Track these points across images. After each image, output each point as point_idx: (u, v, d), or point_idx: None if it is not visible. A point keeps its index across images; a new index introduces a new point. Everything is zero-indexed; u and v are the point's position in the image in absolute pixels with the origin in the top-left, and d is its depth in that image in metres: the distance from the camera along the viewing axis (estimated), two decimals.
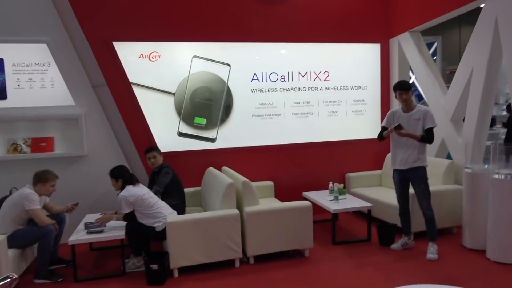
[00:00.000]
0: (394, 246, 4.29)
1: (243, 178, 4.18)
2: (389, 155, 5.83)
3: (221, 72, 5.31)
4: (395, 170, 4.23)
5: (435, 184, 4.73)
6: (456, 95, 4.78)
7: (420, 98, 8.79)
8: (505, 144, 4.07)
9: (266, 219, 4.00)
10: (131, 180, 3.97)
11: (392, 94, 5.86)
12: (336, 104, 5.81)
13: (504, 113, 9.19)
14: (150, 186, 4.47)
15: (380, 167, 5.97)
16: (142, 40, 5.00)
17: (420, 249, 4.21)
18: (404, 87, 3.99)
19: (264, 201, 4.83)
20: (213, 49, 5.26)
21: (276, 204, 4.28)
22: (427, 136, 3.94)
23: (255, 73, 5.45)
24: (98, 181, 4.86)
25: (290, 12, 5.51)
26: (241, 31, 5.35)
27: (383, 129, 4.20)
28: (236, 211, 3.92)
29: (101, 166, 4.82)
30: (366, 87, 5.92)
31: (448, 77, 9.18)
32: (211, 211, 4.11)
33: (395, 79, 5.86)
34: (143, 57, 5.03)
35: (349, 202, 4.70)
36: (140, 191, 3.91)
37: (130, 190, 3.87)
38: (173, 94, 5.17)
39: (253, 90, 5.46)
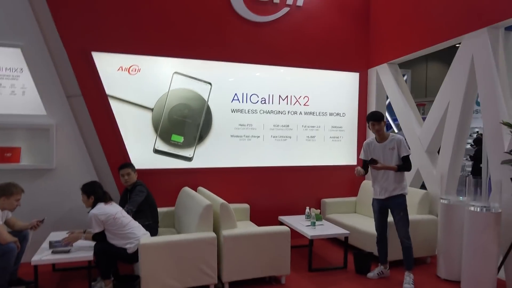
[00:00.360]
0: (370, 274, 4.26)
1: (220, 200, 4.05)
2: (364, 183, 5.89)
3: (202, 90, 5.23)
4: (374, 199, 4.24)
5: (410, 213, 4.74)
6: (432, 127, 4.92)
7: (388, 127, 9.04)
8: (474, 177, 4.19)
9: (243, 243, 3.87)
10: (104, 197, 3.76)
11: None
12: (314, 129, 5.83)
13: (469, 146, 9.57)
14: (121, 205, 4.25)
15: (355, 194, 6.00)
16: (122, 52, 4.85)
17: (396, 278, 4.20)
18: (377, 118, 4.04)
19: (240, 224, 4.70)
20: (195, 66, 5.19)
21: (254, 228, 4.16)
22: (404, 165, 4.00)
23: (236, 94, 5.40)
24: (66, 197, 4.59)
25: (274, 35, 5.54)
26: (224, 50, 5.32)
27: (363, 162, 4.25)
28: (213, 234, 3.77)
29: (70, 181, 4.57)
30: (344, 114, 6.00)
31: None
32: (186, 233, 3.94)
33: (372, 107, 5.98)
34: (122, 70, 4.88)
35: (326, 229, 4.65)
36: (113, 210, 3.70)
37: (102, 208, 3.65)
38: (151, 109, 5.02)
39: (233, 111, 5.40)
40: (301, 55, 5.71)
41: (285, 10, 5.55)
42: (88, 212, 3.67)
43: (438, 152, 4.95)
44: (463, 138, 4.60)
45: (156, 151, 5.06)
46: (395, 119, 8.72)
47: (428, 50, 5.01)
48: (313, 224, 4.67)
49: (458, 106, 4.49)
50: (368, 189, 5.69)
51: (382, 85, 5.90)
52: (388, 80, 5.69)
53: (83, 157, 4.72)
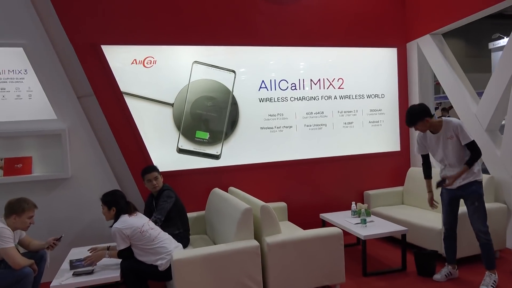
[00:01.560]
0: (437, 276, 3.68)
1: (260, 202, 3.53)
2: (411, 170, 5.28)
3: (225, 79, 4.69)
4: (443, 189, 3.64)
5: None
6: (492, 102, 4.27)
7: None
8: None
9: (290, 250, 3.34)
10: (127, 208, 3.28)
11: (413, 102, 5.36)
12: (351, 114, 5.24)
13: None
14: (147, 214, 3.78)
15: (401, 183, 5.40)
16: (135, 43, 4.34)
17: (467, 279, 3.62)
18: (412, 121, 3.47)
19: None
20: (216, 53, 4.65)
21: (301, 232, 3.63)
22: (473, 156, 3.38)
23: (263, 81, 4.85)
24: (84, 208, 4.13)
25: (300, 13, 4.95)
26: (247, 33, 4.76)
27: (423, 158, 3.76)
28: (256, 243, 3.25)
29: (88, 190, 4.12)
30: (383, 96, 5.38)
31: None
32: (223, 242, 3.43)
33: (414, 85, 5.35)
34: (136, 63, 4.37)
35: (380, 226, 4.08)
36: (139, 222, 3.21)
37: (126, 221, 3.17)
38: (171, 105, 4.51)
39: (261, 100, 4.85)
40: (331, 33, 5.10)
41: None
42: (111, 226, 3.19)
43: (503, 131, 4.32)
44: None
45: (180, 151, 4.56)
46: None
47: (481, 13, 4.34)
48: (364, 221, 4.10)
49: None
50: (415, 176, 5.10)
51: (425, 60, 5.25)
52: (433, 53, 5.04)
53: (101, 163, 4.25)
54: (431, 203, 3.69)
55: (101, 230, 4.06)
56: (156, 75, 4.44)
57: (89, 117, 4.24)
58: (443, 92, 5.91)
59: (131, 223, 3.16)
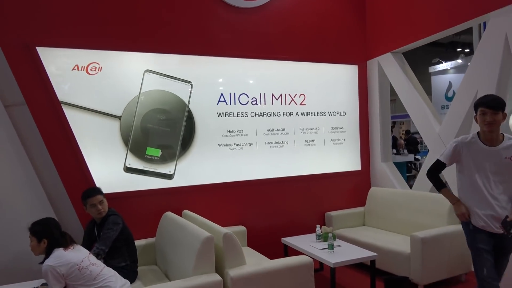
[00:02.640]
0: None
1: (222, 229, 3.13)
2: (372, 190, 5.13)
3: (181, 91, 4.27)
4: (481, 230, 2.75)
5: (440, 224, 4.07)
6: (456, 122, 4.23)
7: None
8: None
9: (257, 284, 2.96)
10: (63, 240, 2.72)
11: (373, 120, 5.26)
12: (313, 132, 5.01)
13: None
14: (86, 245, 3.22)
15: (362, 203, 5.23)
16: (77, 47, 3.81)
17: None
18: (494, 105, 2.64)
19: None
20: (171, 62, 4.22)
21: (267, 262, 3.25)
22: None
23: (222, 94, 4.48)
24: (10, 238, 3.46)
25: (262, 24, 4.69)
26: (205, 42, 4.39)
27: (441, 166, 2.96)
28: (218, 277, 2.83)
29: (15, 216, 3.46)
30: (344, 113, 5.23)
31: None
32: (178, 276, 2.97)
33: (375, 103, 5.26)
34: (78, 69, 3.83)
35: (347, 252, 3.81)
36: (77, 257, 2.67)
37: (61, 256, 2.61)
38: (119, 118, 3.99)
39: (219, 114, 4.47)
40: (292, 47, 4.88)
41: None
42: (41, 262, 2.62)
43: None
44: None
45: (128, 170, 4.03)
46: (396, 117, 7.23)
47: (444, 33, 4.34)
48: (331, 247, 3.81)
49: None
50: (376, 196, 4.97)
51: (385, 78, 5.19)
52: (394, 71, 4.98)
53: (31, 184, 3.61)
54: (466, 215, 2.81)
55: (30, 264, 3.40)
56: (101, 83, 3.92)
57: (19, 130, 3.61)
58: (396, 111, 5.89)
59: (67, 258, 2.61)
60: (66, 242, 2.71)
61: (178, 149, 4.25)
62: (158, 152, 4.17)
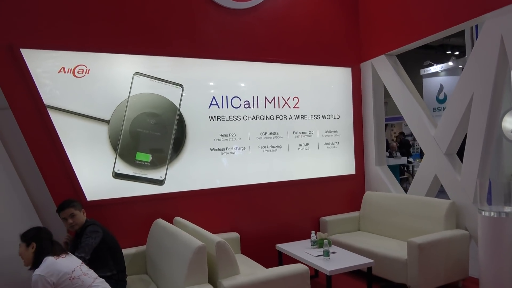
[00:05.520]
0: None
1: (215, 237, 3.01)
2: (367, 194, 5.05)
3: (171, 94, 4.15)
4: None
5: (436, 228, 4.00)
6: (451, 125, 4.17)
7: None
8: None
9: None
10: (53, 248, 2.59)
11: (367, 123, 5.20)
12: (307, 136, 4.92)
13: None
14: None
15: (357, 208, 5.15)
16: (64, 48, 3.67)
17: None
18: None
19: None
20: (161, 65, 4.11)
21: (262, 271, 3.13)
22: None
23: (214, 97, 4.37)
24: None
25: (255, 26, 4.60)
26: (197, 44, 4.28)
27: None
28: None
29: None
30: (338, 116, 5.15)
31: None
32: (170, 287, 2.85)
33: (369, 106, 5.20)
34: (65, 72, 3.69)
35: (344, 258, 3.71)
36: (68, 266, 2.55)
37: (52, 265, 2.49)
38: (107, 122, 3.86)
39: (211, 118, 4.36)
40: (286, 49, 4.80)
41: None
42: (30, 268, 2.50)
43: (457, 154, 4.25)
44: (491, 137, 3.89)
45: (117, 175, 3.90)
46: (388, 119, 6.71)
47: (439, 35, 4.28)
48: (326, 254, 3.71)
49: (486, 99, 3.77)
50: (371, 201, 4.90)
51: (379, 81, 5.13)
52: (388, 74, 4.92)
53: (16, 191, 3.46)
54: None
55: (12, 276, 3.27)
56: (89, 86, 3.79)
57: (2, 135, 3.47)
58: (387, 114, 5.74)
59: (58, 268, 2.49)
60: (55, 250, 2.59)
61: (169, 154, 4.13)
62: (148, 157, 4.04)
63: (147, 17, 4.04)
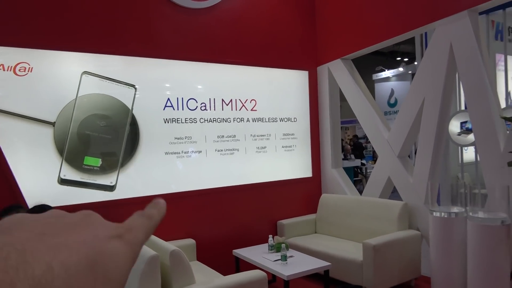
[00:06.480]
0: None
1: (168, 246, 2.89)
2: (324, 196, 5.09)
3: (123, 95, 3.96)
4: None
5: (390, 229, 4.09)
6: (404, 128, 4.29)
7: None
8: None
9: None
10: None
11: (324, 126, 5.25)
12: (265, 139, 4.88)
13: None
14: None
15: (314, 211, 5.17)
16: (3, 44, 3.39)
17: None
18: None
19: None
20: (113, 64, 3.91)
21: (219, 279, 3.03)
22: None
23: (168, 99, 4.22)
24: None
25: (212, 27, 4.49)
26: (151, 43, 4.12)
27: None
28: None
29: None
30: (295, 119, 5.15)
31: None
32: None
33: (325, 109, 5.25)
34: (4, 69, 3.41)
35: (301, 262, 3.70)
36: None
37: None
38: (52, 124, 3.61)
39: (166, 121, 4.21)
40: (243, 51, 4.74)
41: None
42: None
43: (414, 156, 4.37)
44: (441, 140, 4.04)
45: (63, 181, 3.65)
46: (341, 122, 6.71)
47: (392, 40, 4.41)
48: (284, 258, 3.68)
49: (436, 104, 3.90)
50: (328, 203, 4.95)
51: (335, 84, 5.19)
52: (344, 77, 4.99)
53: None
54: None
55: None
56: (32, 86, 3.52)
57: None
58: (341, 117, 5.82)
59: None
60: None
61: (121, 158, 3.93)
62: (97, 162, 3.82)
63: (98, 13, 3.83)
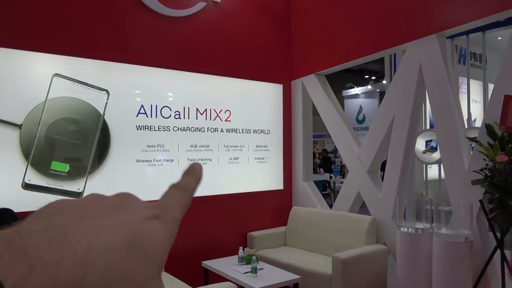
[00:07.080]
0: None
1: None
2: (294, 209, 5.12)
3: (95, 100, 3.86)
4: None
5: (358, 244, 4.16)
6: (374, 144, 4.41)
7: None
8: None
9: None
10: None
11: (296, 140, 5.31)
12: (238, 150, 4.88)
13: None
14: None
15: (284, 223, 5.19)
16: None
17: None
18: None
19: None
20: (85, 67, 3.81)
21: None
22: None
23: (142, 106, 4.15)
24: None
25: (188, 35, 4.48)
26: (126, 48, 4.05)
27: None
28: None
29: None
30: (269, 132, 5.19)
31: None
32: None
33: (298, 123, 5.32)
34: None
35: (271, 275, 3.69)
36: None
37: None
38: (19, 126, 3.46)
39: (138, 127, 4.13)
40: (219, 61, 4.75)
41: (202, 5, 4.54)
42: None
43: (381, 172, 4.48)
44: (409, 156, 4.18)
45: (28, 186, 3.49)
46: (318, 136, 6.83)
47: (364, 59, 4.55)
48: (254, 270, 3.66)
49: (406, 121, 4.04)
50: (298, 216, 4.99)
51: (309, 99, 5.28)
52: (317, 93, 5.09)
53: None
54: None
55: None
56: None
57: None
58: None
59: None
60: None
61: (90, 164, 3.81)
62: (65, 167, 3.68)
63: (72, 15, 3.74)
